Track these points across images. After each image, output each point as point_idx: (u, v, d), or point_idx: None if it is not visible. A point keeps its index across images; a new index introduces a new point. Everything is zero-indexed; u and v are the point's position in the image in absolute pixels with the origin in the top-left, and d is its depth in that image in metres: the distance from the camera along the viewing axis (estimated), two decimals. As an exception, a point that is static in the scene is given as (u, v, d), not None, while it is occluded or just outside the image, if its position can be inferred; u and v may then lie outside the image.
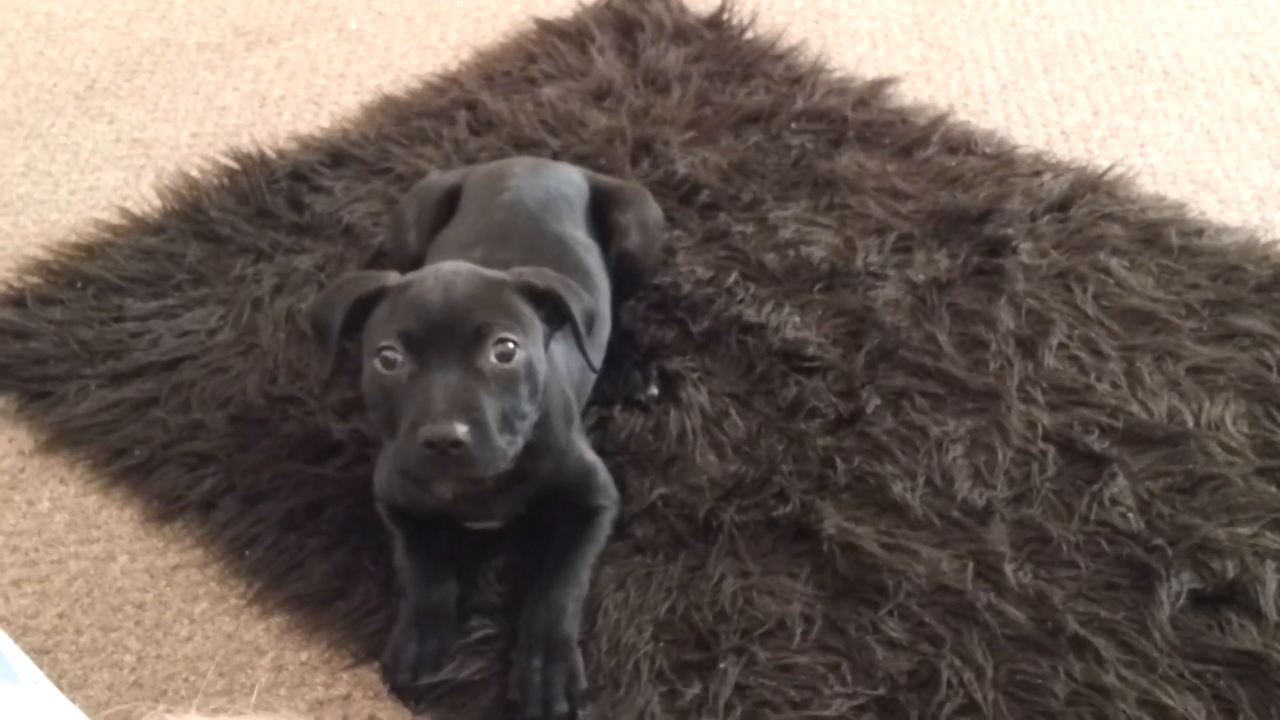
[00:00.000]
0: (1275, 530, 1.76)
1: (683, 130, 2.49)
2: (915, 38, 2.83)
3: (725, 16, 2.82)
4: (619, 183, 2.15)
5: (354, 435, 1.92)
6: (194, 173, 2.43)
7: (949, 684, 1.60)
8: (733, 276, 2.17)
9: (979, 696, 1.58)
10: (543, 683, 1.60)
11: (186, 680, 1.68)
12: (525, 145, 2.43)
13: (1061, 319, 2.07)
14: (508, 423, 1.54)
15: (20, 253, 2.28)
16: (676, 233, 2.24)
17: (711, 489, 1.84)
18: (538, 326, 1.62)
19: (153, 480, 1.91)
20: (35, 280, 2.21)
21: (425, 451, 1.48)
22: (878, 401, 1.96)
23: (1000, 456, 1.87)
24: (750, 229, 2.26)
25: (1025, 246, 2.20)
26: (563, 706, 1.59)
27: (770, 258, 2.20)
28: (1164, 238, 2.22)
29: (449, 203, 2.03)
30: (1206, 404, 1.93)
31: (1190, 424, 1.91)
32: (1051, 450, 1.88)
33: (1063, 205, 2.29)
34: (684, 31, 2.77)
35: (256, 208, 2.33)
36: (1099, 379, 1.98)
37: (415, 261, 1.96)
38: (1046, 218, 2.27)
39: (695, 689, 1.61)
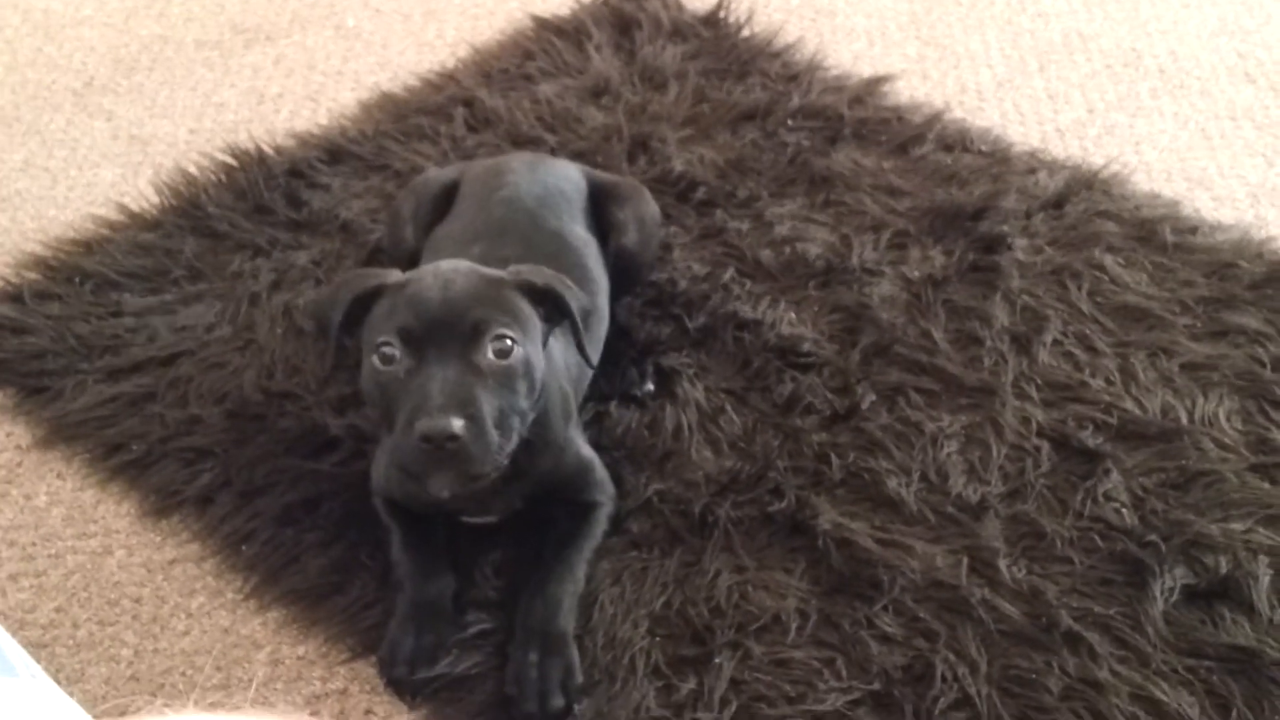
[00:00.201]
0: (1268, 526, 1.77)
1: (679, 127, 2.50)
2: (911, 36, 2.84)
3: (722, 14, 2.83)
4: (616, 179, 2.15)
5: (350, 430, 1.92)
6: (192, 169, 2.43)
7: (943, 679, 1.61)
8: (729, 273, 2.17)
9: (973, 691, 1.59)
10: (539, 677, 1.61)
11: (184, 674, 1.69)
12: (522, 142, 2.44)
13: (1056, 315, 2.08)
14: (504, 419, 1.54)
15: (18, 248, 2.29)
16: (673, 229, 2.25)
17: (707, 484, 1.85)
18: (536, 324, 1.63)
19: (150, 475, 1.91)
20: (33, 276, 2.21)
21: (421, 446, 1.48)
22: (873, 397, 1.96)
23: (995, 452, 1.88)
24: (746, 226, 2.27)
25: (1020, 243, 2.21)
26: (559, 701, 1.60)
27: (766, 254, 2.20)
28: (1158, 235, 2.23)
29: (446, 198, 2.03)
30: (1200, 400, 1.94)
31: (1184, 420, 1.91)
32: (1046, 446, 1.88)
33: (1058, 202, 2.30)
34: (681, 29, 2.78)
35: (254, 204, 2.34)
36: (1093, 375, 1.98)
37: (412, 257, 1.97)
38: (1041, 215, 2.27)
39: (690, 684, 1.62)
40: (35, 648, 1.69)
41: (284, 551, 1.80)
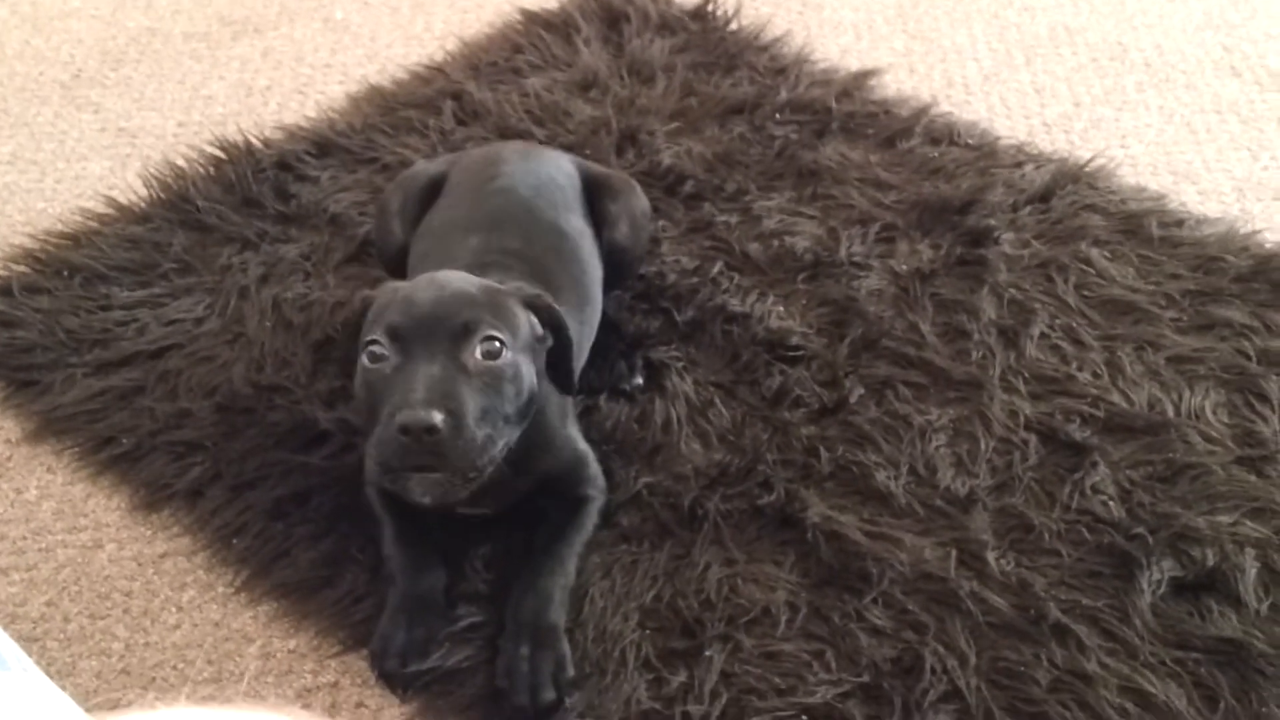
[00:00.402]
0: (1254, 518, 1.78)
1: (668, 121, 2.50)
2: (898, 29, 2.85)
3: (710, 8, 2.83)
4: (608, 172, 2.14)
5: (341, 424, 1.92)
6: (180, 162, 2.43)
7: (932, 671, 1.62)
8: (717, 266, 2.17)
9: (962, 683, 1.60)
10: (530, 670, 1.61)
11: (175, 668, 1.69)
12: (511, 135, 2.43)
13: (1043, 309, 2.09)
14: (489, 420, 1.53)
15: (6, 242, 2.28)
16: (661, 223, 2.25)
17: (696, 478, 1.85)
18: (529, 335, 1.63)
19: (140, 469, 1.91)
20: (22, 269, 2.21)
21: (400, 438, 1.48)
22: (861, 391, 1.97)
23: (982, 445, 1.88)
24: (734, 219, 2.27)
25: (1007, 237, 2.21)
26: (550, 694, 1.60)
27: (754, 248, 2.21)
28: (1144, 228, 2.24)
29: (433, 191, 2.03)
30: (1186, 393, 1.95)
31: (1170, 413, 1.92)
32: (1033, 439, 1.89)
33: (1044, 196, 2.31)
34: (669, 23, 2.78)
35: (243, 197, 2.34)
36: (1080, 369, 1.99)
37: (401, 251, 1.97)
38: (1028, 208, 2.28)
39: (681, 676, 1.62)
40: (26, 641, 1.68)
41: (275, 545, 1.80)
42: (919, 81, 2.68)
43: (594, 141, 2.43)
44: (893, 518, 1.80)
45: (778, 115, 2.52)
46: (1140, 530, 1.76)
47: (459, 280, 1.61)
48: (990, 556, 1.74)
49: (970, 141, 2.45)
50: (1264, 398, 1.95)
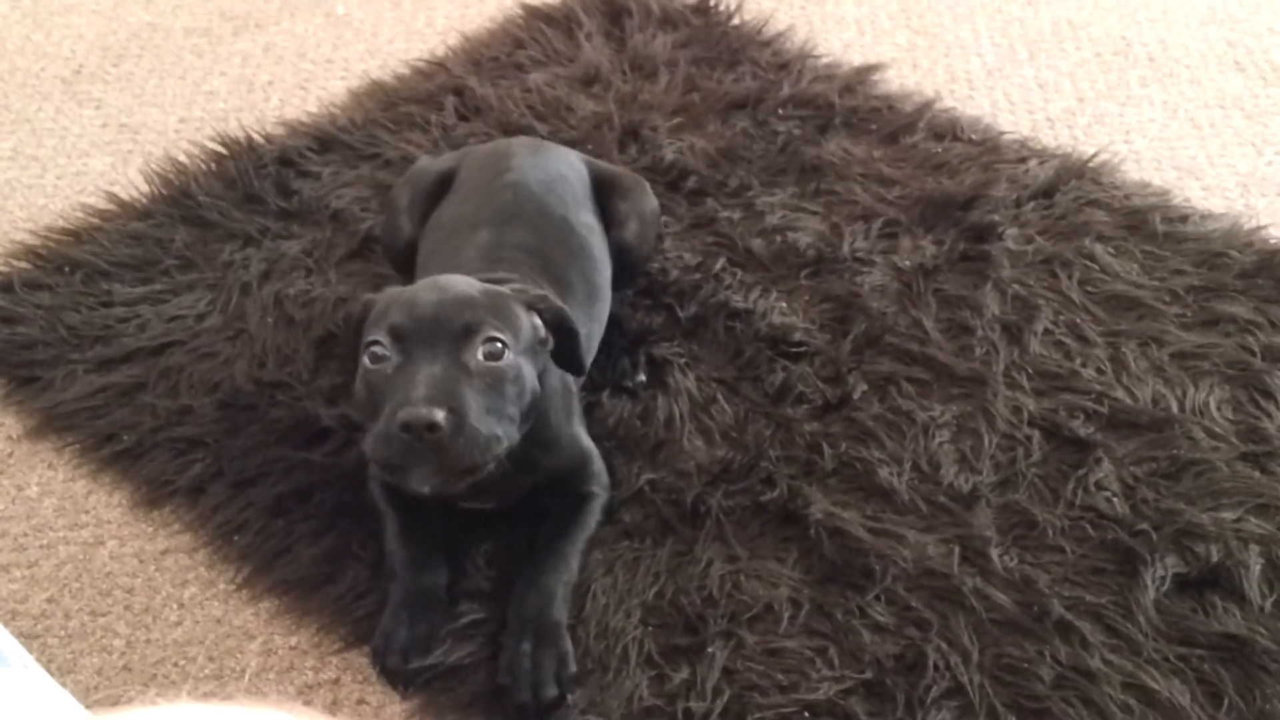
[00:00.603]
0: (1258, 515, 1.78)
1: (670, 116, 2.50)
2: (902, 24, 2.84)
3: (712, 2, 2.83)
4: (618, 170, 2.13)
5: (342, 420, 1.92)
6: (181, 158, 2.43)
7: (935, 667, 1.61)
8: (720, 262, 2.17)
9: (965, 680, 1.60)
10: (533, 667, 1.61)
11: (176, 665, 1.68)
12: (513, 131, 2.42)
13: (1047, 305, 2.08)
14: (491, 419, 1.53)
15: (8, 238, 2.28)
16: (664, 219, 2.25)
17: (699, 474, 1.85)
18: (533, 338, 1.62)
19: (141, 465, 1.91)
20: (23, 265, 2.21)
21: (402, 435, 1.47)
22: (864, 387, 1.96)
23: (986, 442, 1.88)
24: (737, 215, 2.27)
25: (1011, 233, 2.21)
26: (552, 691, 1.60)
27: (757, 244, 2.21)
28: (1148, 224, 2.23)
29: (442, 187, 2.02)
30: (1191, 389, 1.95)
31: (1174, 409, 1.92)
32: (1037, 435, 1.89)
33: (1048, 192, 2.30)
34: (671, 17, 2.78)
35: (244, 193, 2.33)
36: (1084, 365, 1.99)
37: (409, 247, 1.97)
38: (1032, 204, 2.27)
39: (683, 673, 1.62)
40: (27, 638, 1.68)
41: (276, 542, 1.80)
42: (922, 77, 2.68)
43: (596, 137, 2.43)
44: (896, 514, 1.80)
45: (780, 110, 2.51)
46: (1144, 526, 1.76)
47: (461, 283, 1.61)
48: (993, 553, 1.73)
49: (973, 137, 2.45)
50: (1268, 394, 1.94)
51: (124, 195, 2.35)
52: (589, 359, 1.86)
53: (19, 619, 1.73)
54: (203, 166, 2.40)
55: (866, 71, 2.65)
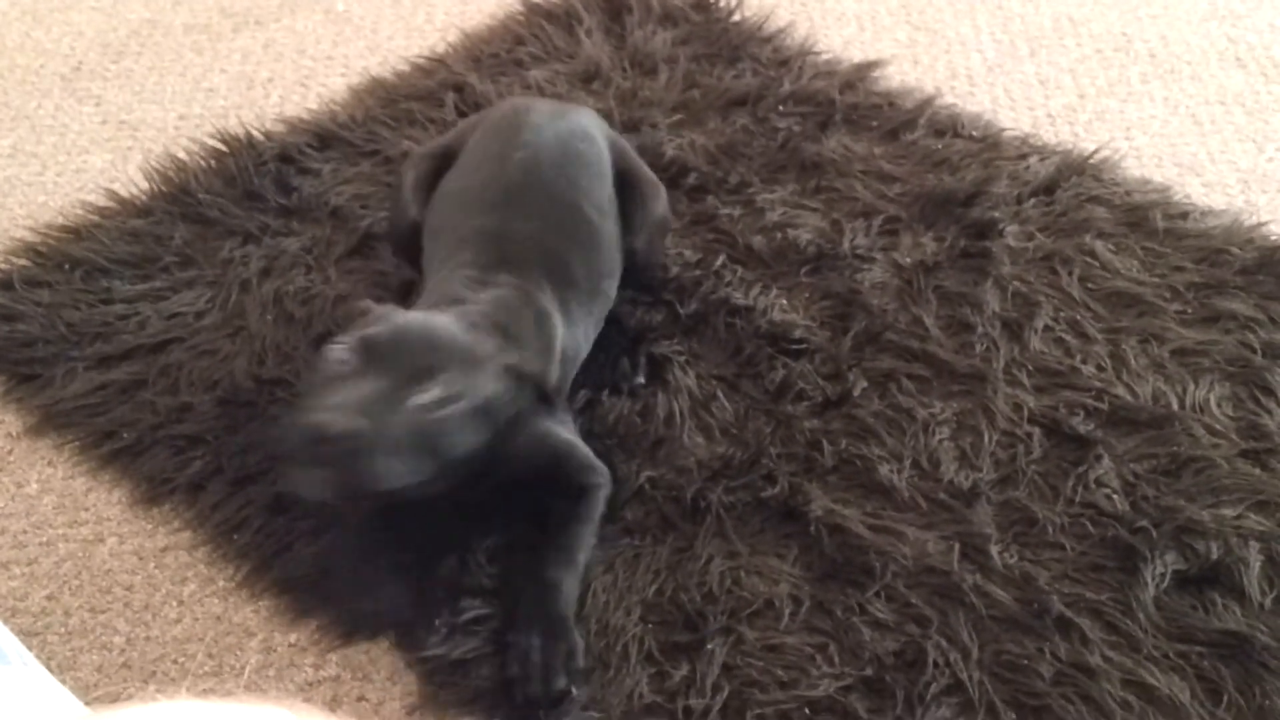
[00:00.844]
0: (1259, 512, 1.77)
1: (670, 113, 2.49)
2: (902, 20, 2.84)
3: (713, -1, 2.83)
4: (641, 169, 2.09)
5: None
6: (181, 155, 2.42)
7: (935, 664, 1.61)
8: (720, 259, 2.17)
9: (965, 677, 1.60)
10: (542, 661, 1.61)
11: (176, 662, 1.68)
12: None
13: (1047, 302, 2.08)
14: (402, 459, 1.51)
15: (7, 235, 2.28)
16: (664, 216, 2.25)
17: (699, 471, 1.85)
18: (493, 402, 1.61)
19: (141, 463, 1.91)
20: (23, 262, 2.20)
21: (302, 432, 1.47)
22: (864, 384, 1.96)
23: (986, 439, 1.88)
24: (738, 211, 2.27)
25: (1011, 229, 2.21)
26: (562, 682, 1.59)
27: (757, 240, 2.20)
28: (1149, 221, 2.23)
29: (446, 163, 2.02)
30: (1191, 386, 1.94)
31: (1175, 406, 1.92)
32: (1037, 432, 1.89)
33: (1048, 188, 2.30)
34: (671, 14, 2.77)
35: (244, 190, 2.33)
36: (1084, 361, 1.99)
37: (415, 230, 1.96)
38: (1032, 201, 2.27)
39: (683, 670, 1.62)
40: (27, 635, 1.68)
41: (276, 539, 1.79)
42: (923, 73, 2.68)
43: (596, 134, 2.42)
44: (896, 511, 1.80)
45: (781, 107, 2.51)
46: (1144, 524, 1.76)
47: (448, 329, 1.61)
48: (993, 550, 1.73)
49: (974, 133, 2.45)
50: (1269, 391, 1.94)
51: (124, 192, 2.35)
52: (582, 354, 1.88)
53: (19, 616, 1.73)
54: (202, 163, 2.39)
55: (867, 68, 2.64)
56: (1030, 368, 1.98)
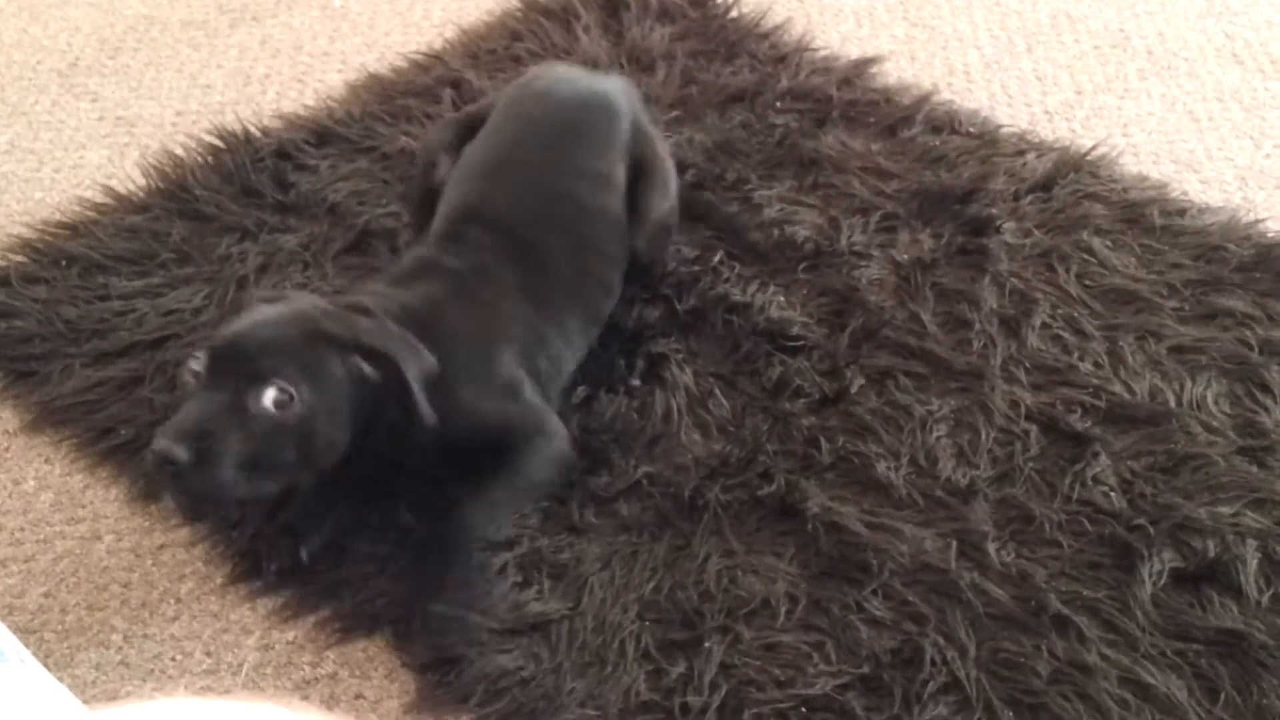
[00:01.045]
0: (1256, 509, 1.77)
1: (668, 109, 2.49)
2: (899, 17, 2.84)
3: (710, -5, 2.82)
4: (654, 159, 2.07)
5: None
6: (178, 151, 2.42)
7: (932, 662, 1.61)
8: (718, 256, 2.17)
9: (962, 675, 1.60)
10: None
11: (173, 660, 1.68)
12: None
13: (1044, 299, 2.08)
14: (257, 466, 1.53)
15: (4, 231, 2.27)
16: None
17: (696, 468, 1.85)
18: (344, 385, 1.60)
19: (138, 459, 1.90)
20: (19, 259, 2.20)
21: (150, 456, 1.49)
22: (862, 381, 1.96)
23: (983, 436, 1.88)
24: (735, 208, 2.27)
25: (1009, 226, 2.21)
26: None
27: (755, 237, 2.20)
28: (1146, 217, 2.23)
29: (473, 130, 2.02)
30: (1188, 383, 1.94)
31: (1172, 403, 1.92)
32: (1034, 430, 1.89)
33: (1046, 185, 2.30)
34: (669, 10, 2.77)
35: (241, 186, 2.33)
36: (1081, 359, 1.99)
37: (428, 195, 1.97)
38: (1030, 197, 2.27)
39: (680, 667, 1.62)
40: (24, 633, 1.68)
41: (274, 537, 1.79)
42: (920, 69, 2.67)
43: (594, 130, 2.42)
44: (893, 509, 1.80)
45: (778, 103, 2.50)
46: (1141, 521, 1.76)
47: (275, 321, 1.60)
48: (991, 548, 1.73)
49: (971, 130, 2.44)
50: (1266, 388, 1.94)
51: (121, 189, 2.35)
52: (571, 363, 1.89)
53: (16, 614, 1.73)
54: (199, 160, 2.39)
55: (864, 64, 2.64)
56: (1028, 365, 1.98)
